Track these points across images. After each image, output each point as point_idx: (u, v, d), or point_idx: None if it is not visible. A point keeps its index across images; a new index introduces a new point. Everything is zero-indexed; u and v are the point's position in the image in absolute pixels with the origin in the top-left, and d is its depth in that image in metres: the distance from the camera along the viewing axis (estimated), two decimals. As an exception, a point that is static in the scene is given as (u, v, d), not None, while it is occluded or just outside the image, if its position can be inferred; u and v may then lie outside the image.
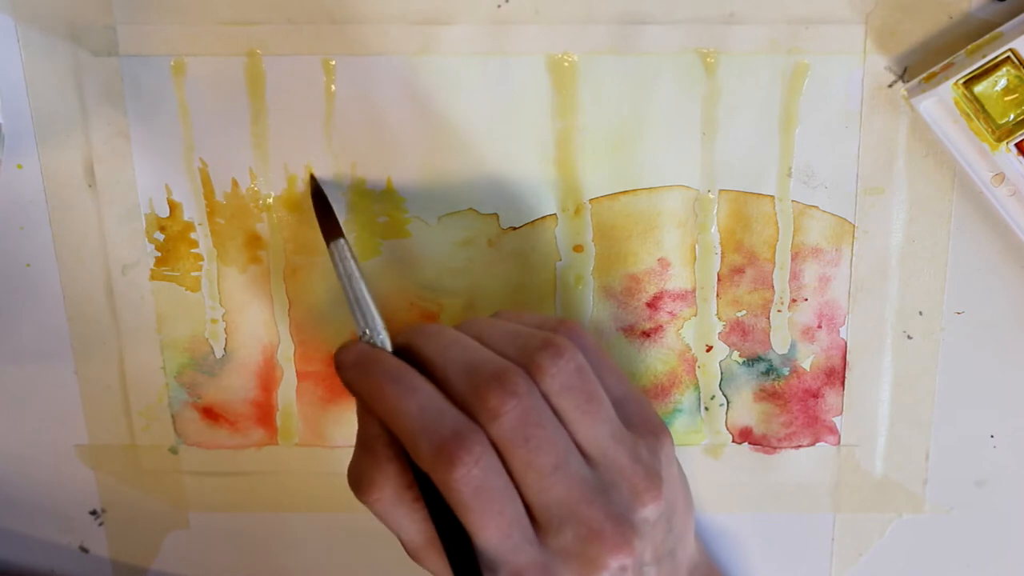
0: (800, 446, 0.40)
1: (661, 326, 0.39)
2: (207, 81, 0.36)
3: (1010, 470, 0.40)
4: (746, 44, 0.35)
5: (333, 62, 0.36)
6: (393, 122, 0.36)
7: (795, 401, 0.39)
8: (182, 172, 0.37)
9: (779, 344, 0.39)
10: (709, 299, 0.38)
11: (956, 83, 0.34)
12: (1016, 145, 0.34)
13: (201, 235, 0.38)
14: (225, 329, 0.39)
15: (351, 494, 0.32)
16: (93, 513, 0.42)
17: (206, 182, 0.37)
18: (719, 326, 0.39)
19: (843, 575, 0.42)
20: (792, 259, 0.38)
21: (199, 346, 0.39)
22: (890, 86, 0.36)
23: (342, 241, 0.34)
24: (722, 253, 0.38)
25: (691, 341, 0.39)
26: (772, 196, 0.37)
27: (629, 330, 0.39)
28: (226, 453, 0.41)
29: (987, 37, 0.34)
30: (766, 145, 0.36)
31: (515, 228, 0.38)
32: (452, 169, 0.37)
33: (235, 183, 0.37)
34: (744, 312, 0.38)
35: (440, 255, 0.38)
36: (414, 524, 0.31)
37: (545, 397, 0.31)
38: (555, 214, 0.37)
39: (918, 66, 0.35)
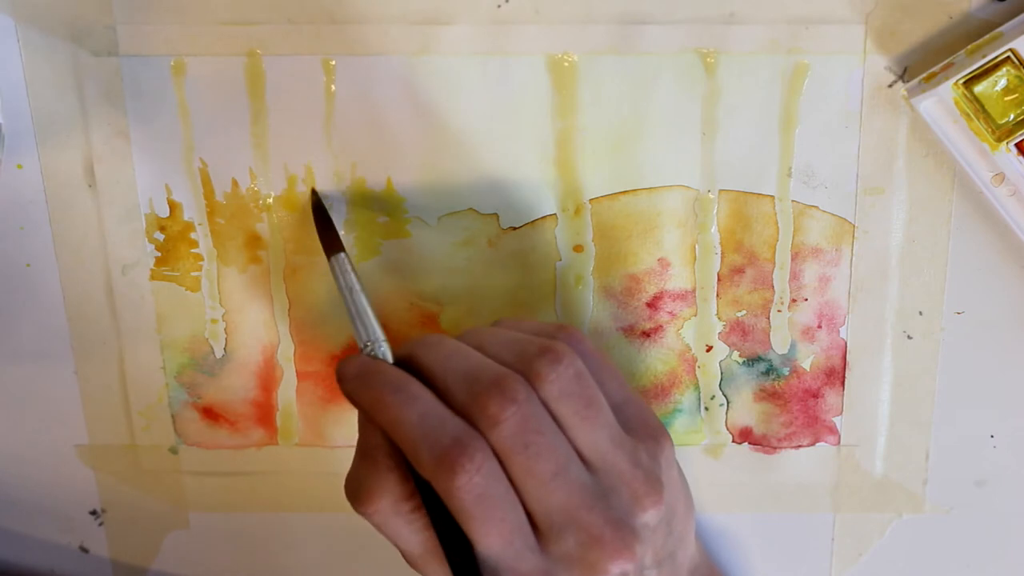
0: (800, 446, 0.40)
1: (661, 326, 0.39)
2: (207, 81, 0.36)
3: (1010, 470, 0.40)
4: (746, 44, 0.35)
5: (333, 62, 0.36)
6: (393, 122, 0.36)
7: (795, 401, 0.39)
8: (182, 172, 0.37)
9: (779, 344, 0.39)
10: (709, 299, 0.38)
11: (956, 83, 0.34)
12: (1016, 145, 0.34)
13: (201, 235, 0.38)
14: (225, 329, 0.39)
15: (351, 494, 0.32)
16: (93, 513, 0.42)
17: (206, 182, 0.37)
18: (719, 326, 0.39)
19: (843, 575, 0.42)
20: (792, 259, 0.38)
21: (199, 346, 0.39)
22: (890, 86, 0.36)
23: (343, 255, 0.34)
24: (722, 253, 0.38)
25: (691, 341, 0.39)
26: (772, 196, 0.37)
27: (629, 330, 0.39)
28: (226, 453, 0.41)
29: (987, 37, 0.34)
30: (766, 145, 0.36)
31: (515, 228, 0.38)
32: (452, 169, 0.37)
33: (235, 183, 0.37)
34: (744, 312, 0.38)
35: (440, 255, 0.38)
36: (413, 534, 0.31)
37: (544, 404, 0.31)
38: (555, 214, 0.37)
39: (918, 66, 0.35)
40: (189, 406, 0.40)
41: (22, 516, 0.42)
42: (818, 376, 0.39)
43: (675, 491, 0.33)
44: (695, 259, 0.38)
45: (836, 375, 0.39)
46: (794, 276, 0.38)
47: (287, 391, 0.40)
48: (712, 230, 0.38)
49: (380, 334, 0.33)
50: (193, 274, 0.38)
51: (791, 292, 0.38)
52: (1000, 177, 0.35)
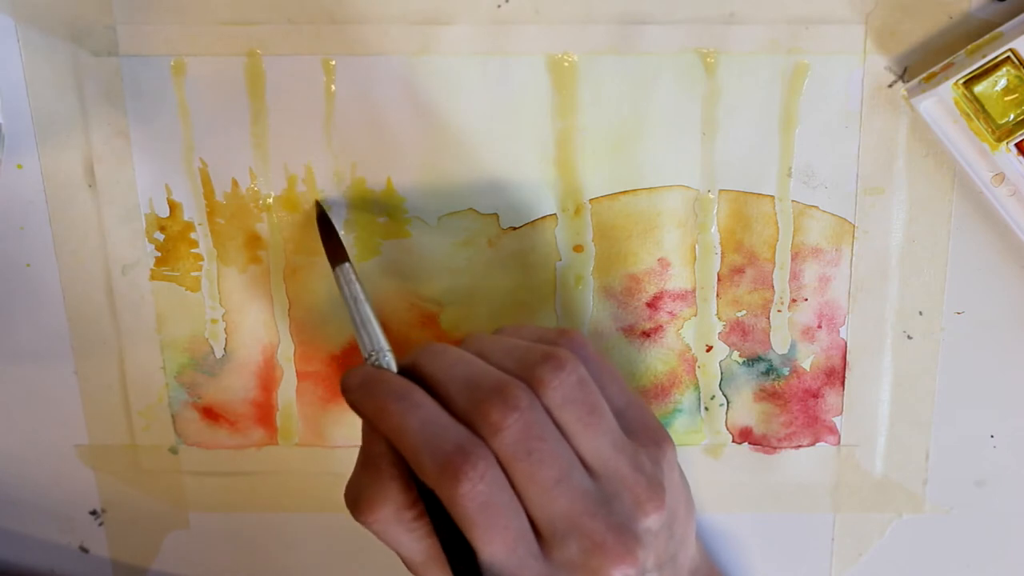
0: (800, 446, 0.40)
1: (661, 326, 0.39)
2: (207, 81, 0.36)
3: (1010, 470, 0.40)
4: (746, 44, 0.35)
5: (333, 62, 0.36)
6: (393, 122, 0.36)
7: (795, 401, 0.39)
8: (182, 172, 0.37)
9: (779, 344, 0.39)
10: (709, 299, 0.38)
11: (956, 83, 0.34)
12: (1016, 145, 0.34)
13: (201, 235, 0.38)
14: (225, 329, 0.39)
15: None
16: (93, 513, 0.42)
17: (206, 182, 0.37)
18: (719, 326, 0.39)
19: (843, 575, 0.42)
20: (792, 259, 0.38)
21: (199, 346, 0.39)
22: (890, 86, 0.36)
23: (347, 265, 0.34)
24: (722, 253, 0.38)
25: (691, 341, 0.39)
26: (772, 196, 0.37)
27: (629, 330, 0.39)
28: (226, 453, 0.41)
29: (987, 37, 0.34)
30: (766, 145, 0.36)
31: (515, 228, 0.38)
32: (452, 169, 0.37)
33: (235, 183, 0.37)
34: (744, 312, 0.38)
35: (440, 255, 0.38)
36: (414, 543, 0.31)
37: (547, 410, 0.31)
38: (555, 214, 0.37)
39: (918, 66, 0.35)
40: (189, 406, 0.40)
41: (22, 516, 0.42)
42: (818, 376, 0.39)
43: (676, 494, 0.33)
44: (695, 259, 0.38)
45: (836, 375, 0.39)
46: (794, 276, 0.38)
47: (287, 391, 0.40)
48: (712, 230, 0.38)
49: (384, 344, 0.33)
50: (193, 274, 0.38)
51: (791, 292, 0.38)
52: (1000, 177, 0.35)
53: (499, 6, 0.35)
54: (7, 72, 0.36)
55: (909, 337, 0.38)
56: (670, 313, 0.39)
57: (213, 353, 0.39)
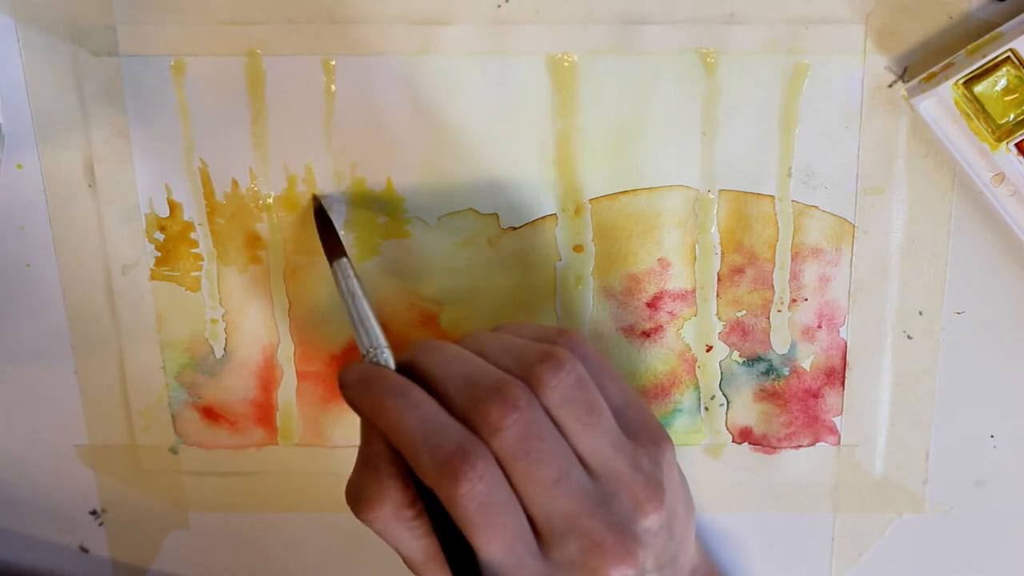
0: (800, 446, 0.40)
1: (661, 326, 0.39)
2: (207, 81, 0.36)
3: (1010, 470, 0.40)
4: (746, 44, 0.35)
5: (333, 62, 0.36)
6: (393, 122, 0.36)
7: (795, 401, 0.39)
8: (182, 172, 0.37)
9: (779, 344, 0.39)
10: (709, 299, 0.38)
11: (956, 83, 0.34)
12: (1016, 145, 0.34)
13: (201, 235, 0.38)
14: (225, 329, 0.39)
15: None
16: (93, 513, 0.42)
17: (206, 182, 0.37)
18: (719, 326, 0.39)
19: (843, 575, 0.42)
20: (792, 259, 0.38)
21: (199, 346, 0.39)
22: (890, 86, 0.36)
23: (345, 260, 0.34)
24: (722, 253, 0.38)
25: (691, 341, 0.39)
26: (772, 196, 0.37)
27: (629, 330, 0.39)
28: (226, 453, 0.41)
29: (987, 37, 0.34)
30: (766, 145, 0.36)
31: (515, 228, 0.38)
32: (452, 169, 0.37)
33: (235, 183, 0.37)
34: (744, 312, 0.38)
35: (440, 255, 0.38)
36: (414, 541, 0.31)
37: (546, 409, 0.31)
38: (555, 214, 0.37)
39: (918, 66, 0.35)
40: (189, 406, 0.40)
41: (22, 516, 0.42)
42: (818, 376, 0.39)
43: (676, 494, 0.33)
44: (695, 259, 0.38)
45: (836, 375, 0.39)
46: (794, 276, 0.38)
47: (287, 391, 0.40)
48: (712, 230, 0.38)
49: (382, 340, 0.33)
50: (193, 274, 0.38)
51: (791, 292, 0.38)
52: (1000, 177, 0.35)
53: (499, 6, 0.35)
54: (7, 72, 0.36)
55: (909, 337, 0.38)
56: (670, 313, 0.39)
57: (213, 353, 0.39)
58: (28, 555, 0.43)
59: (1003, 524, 0.41)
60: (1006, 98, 0.34)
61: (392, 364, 0.33)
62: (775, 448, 0.40)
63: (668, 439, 0.33)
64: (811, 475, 0.40)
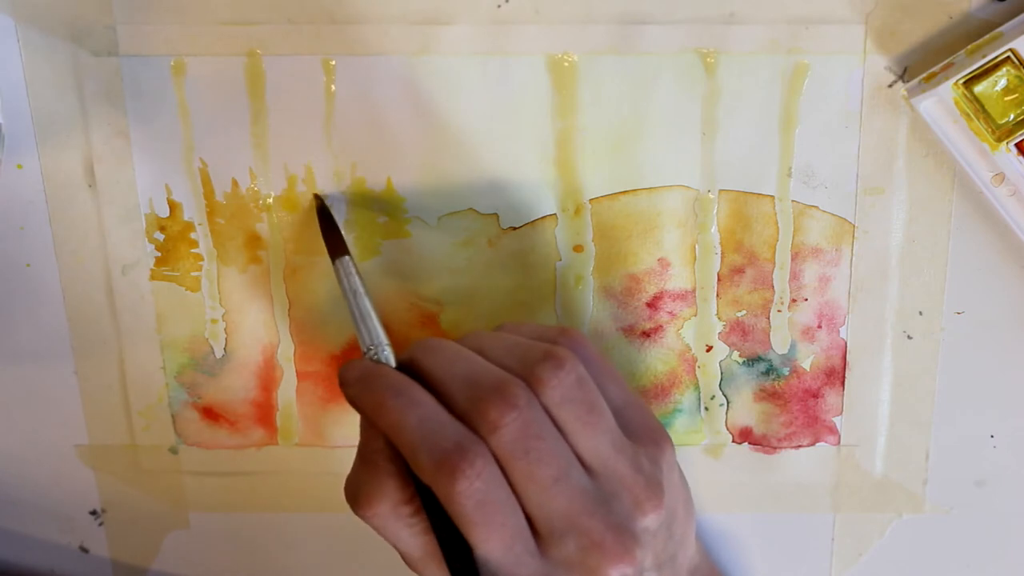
0: (800, 446, 0.40)
1: (661, 326, 0.39)
2: (207, 81, 0.36)
3: (1010, 470, 0.40)
4: (746, 44, 0.35)
5: (333, 62, 0.36)
6: (393, 122, 0.36)
7: (795, 401, 0.39)
8: (182, 172, 0.37)
9: (779, 344, 0.39)
10: (709, 299, 0.38)
11: (956, 83, 0.34)
12: (1016, 145, 0.34)
13: (201, 235, 0.38)
14: (225, 329, 0.39)
15: (351, 494, 0.32)
16: (93, 513, 0.42)
17: (206, 182, 0.37)
18: (719, 326, 0.39)
19: (843, 575, 0.42)
20: (792, 259, 0.38)
21: (199, 346, 0.39)
22: (890, 86, 0.36)
23: (347, 258, 0.34)
24: (722, 253, 0.38)
25: (691, 341, 0.39)
26: (772, 196, 0.37)
27: (629, 330, 0.39)
28: (226, 453, 0.41)
29: (987, 37, 0.34)
30: (766, 145, 0.36)
31: (515, 228, 0.38)
32: (452, 169, 0.37)
33: (235, 183, 0.37)
34: (744, 312, 0.38)
35: (440, 255, 0.38)
36: (412, 538, 0.31)
37: (545, 409, 0.31)
38: (555, 214, 0.37)
39: (918, 66, 0.35)
40: (189, 406, 0.40)
41: (22, 516, 0.42)
42: (818, 376, 0.39)
43: (676, 494, 0.33)
44: (695, 259, 0.38)
45: (836, 375, 0.39)
46: (794, 276, 0.38)
47: (287, 391, 0.40)
48: (712, 230, 0.38)
49: (383, 338, 0.33)
50: (193, 274, 0.38)
51: (791, 292, 0.38)
52: (1000, 177, 0.35)
53: (499, 6, 0.35)
54: (7, 72, 0.36)
55: (909, 337, 0.38)
56: (670, 313, 0.39)
57: (213, 353, 0.39)
58: (28, 555, 0.43)
59: (1003, 524, 0.41)
60: (1006, 98, 0.34)
61: (393, 362, 0.33)
62: (775, 448, 0.40)
63: (668, 439, 0.33)
64: (811, 475, 0.40)
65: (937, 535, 0.41)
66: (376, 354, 0.33)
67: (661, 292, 0.38)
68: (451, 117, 0.36)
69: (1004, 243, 0.37)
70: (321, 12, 0.35)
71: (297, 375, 0.40)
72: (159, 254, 0.38)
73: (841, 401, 0.39)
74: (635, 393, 0.34)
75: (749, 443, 0.40)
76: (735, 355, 0.39)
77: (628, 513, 0.31)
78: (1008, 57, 0.33)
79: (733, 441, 0.40)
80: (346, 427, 0.40)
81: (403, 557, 0.32)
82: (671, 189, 0.37)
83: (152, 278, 0.39)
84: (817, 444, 0.40)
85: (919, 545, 0.41)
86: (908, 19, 0.35)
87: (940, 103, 0.34)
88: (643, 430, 0.33)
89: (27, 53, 0.36)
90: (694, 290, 0.38)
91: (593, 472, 0.31)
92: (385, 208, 0.37)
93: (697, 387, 0.39)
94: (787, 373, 0.39)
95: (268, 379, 0.40)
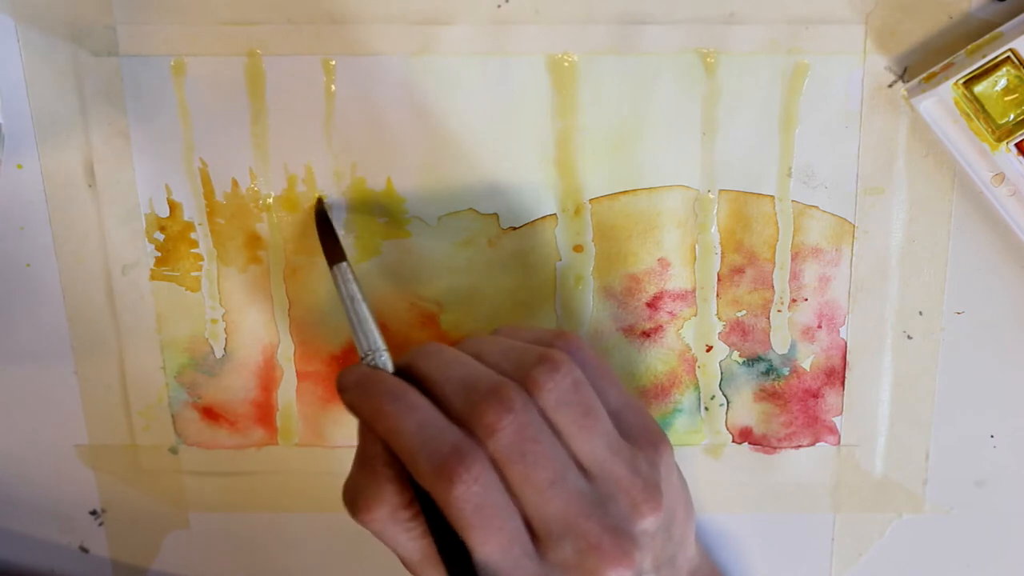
0: (800, 446, 0.40)
1: (661, 326, 0.39)
2: (207, 81, 0.36)
3: (1010, 470, 0.40)
4: (746, 44, 0.35)
5: (333, 62, 0.36)
6: (393, 122, 0.36)
7: (795, 401, 0.39)
8: (182, 172, 0.37)
9: (779, 344, 0.39)
10: (709, 299, 0.38)
11: (956, 83, 0.34)
12: (1016, 145, 0.34)
13: (201, 235, 0.38)
14: (225, 329, 0.39)
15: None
16: (93, 513, 0.42)
17: (206, 182, 0.37)
18: (719, 326, 0.39)
19: (843, 575, 0.42)
20: (792, 259, 0.38)
21: (199, 346, 0.39)
22: (890, 86, 0.36)
23: (344, 264, 0.34)
24: (722, 253, 0.38)
25: (691, 341, 0.39)
26: (772, 196, 0.37)
27: (629, 330, 0.39)
28: (226, 453, 0.41)
29: (987, 37, 0.34)
30: (766, 145, 0.36)
31: (515, 228, 0.38)
32: (452, 169, 0.37)
33: (235, 183, 0.37)
34: (744, 312, 0.38)
35: (440, 255, 0.38)
36: (411, 542, 0.32)
37: (542, 412, 0.31)
38: (555, 214, 0.37)
39: (918, 66, 0.35)
40: (189, 406, 0.40)
41: (22, 516, 0.42)
42: (818, 376, 0.39)
43: (674, 496, 0.33)
44: (695, 259, 0.38)
45: (836, 375, 0.39)
46: (794, 276, 0.38)
47: (287, 391, 0.40)
48: (712, 230, 0.38)
49: (381, 343, 0.33)
50: (193, 274, 0.38)
51: (791, 292, 0.38)
52: (1000, 177, 0.35)
53: (499, 6, 0.35)
54: (7, 72, 0.36)
55: (909, 337, 0.38)
56: (670, 313, 0.39)
57: (213, 353, 0.39)
58: (28, 555, 0.43)
59: (1003, 524, 0.41)
60: (1006, 98, 0.34)
61: (390, 367, 0.33)
62: (775, 448, 0.40)
63: (667, 442, 0.33)
64: (811, 475, 0.40)
65: (937, 535, 0.41)
66: (373, 359, 0.33)
67: (661, 292, 0.38)
68: (451, 117, 0.36)
69: (1004, 243, 0.37)
70: (321, 12, 0.35)
71: (297, 375, 0.40)
72: (159, 254, 0.38)
73: (841, 401, 0.39)
74: (633, 396, 0.34)
75: (749, 443, 0.40)
76: (735, 355, 0.39)
77: (626, 515, 0.31)
78: (1008, 57, 0.33)
79: (733, 441, 0.40)
80: (346, 427, 0.40)
81: (402, 561, 0.32)
82: (671, 189, 0.37)
83: (152, 278, 0.39)
84: (817, 444, 0.40)
85: (919, 545, 0.41)
86: (908, 19, 0.35)
87: (940, 103, 0.34)
88: (641, 432, 0.33)
89: (27, 53, 0.36)
90: (694, 290, 0.38)
91: (590, 475, 0.31)
92: (385, 208, 0.37)
93: (697, 387, 0.39)
94: (787, 373, 0.39)
95: (268, 379, 0.40)
